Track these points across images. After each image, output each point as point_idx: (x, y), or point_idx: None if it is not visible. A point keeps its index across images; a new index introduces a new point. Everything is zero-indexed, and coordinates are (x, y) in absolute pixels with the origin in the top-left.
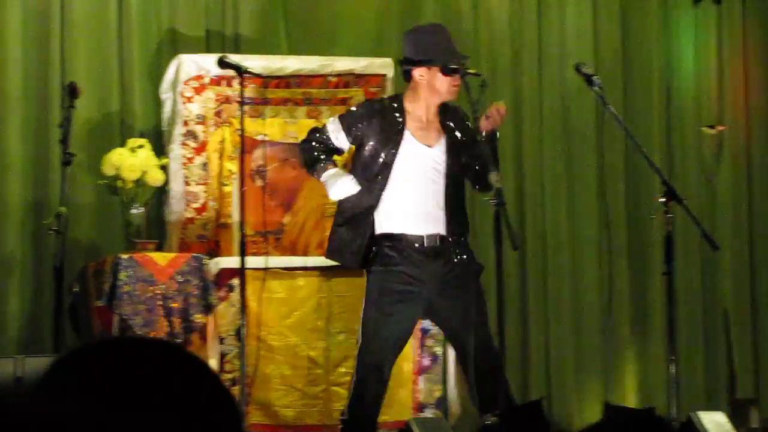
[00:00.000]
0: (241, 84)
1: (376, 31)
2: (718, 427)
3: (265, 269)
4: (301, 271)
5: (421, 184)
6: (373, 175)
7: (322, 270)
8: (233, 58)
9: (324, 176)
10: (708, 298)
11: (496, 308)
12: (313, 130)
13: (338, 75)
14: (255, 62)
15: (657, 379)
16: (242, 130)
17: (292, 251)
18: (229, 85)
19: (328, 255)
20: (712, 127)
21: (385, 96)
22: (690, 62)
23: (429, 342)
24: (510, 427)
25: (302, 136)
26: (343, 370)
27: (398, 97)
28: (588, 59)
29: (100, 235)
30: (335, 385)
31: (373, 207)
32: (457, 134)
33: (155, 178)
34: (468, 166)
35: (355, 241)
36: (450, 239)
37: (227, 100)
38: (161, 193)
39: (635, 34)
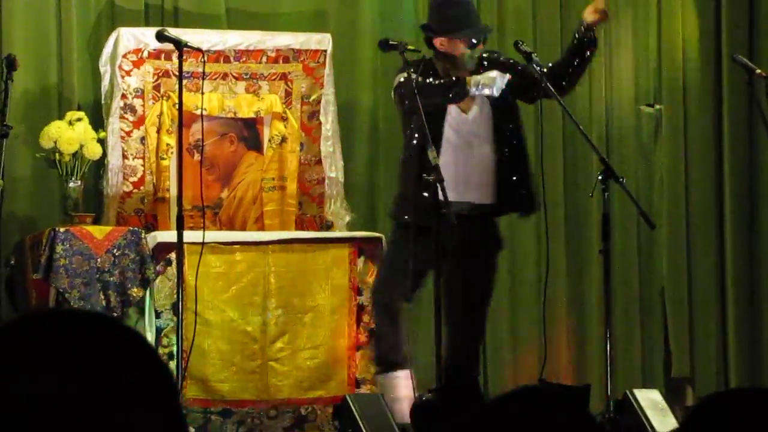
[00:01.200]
0: (180, 58)
1: (315, 7)
2: (654, 405)
3: (203, 244)
4: (238, 246)
5: (460, 151)
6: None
7: (260, 245)
8: (172, 31)
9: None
10: (645, 277)
11: (433, 282)
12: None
13: (277, 50)
14: (194, 36)
15: (593, 356)
16: (180, 104)
17: (230, 226)
18: (168, 58)
19: None
20: (650, 105)
21: (326, 71)
22: (629, 41)
23: (365, 318)
24: (446, 404)
25: (241, 111)
26: (279, 345)
27: (431, 62)
28: (527, 38)
29: (37, 208)
30: (272, 360)
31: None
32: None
33: (93, 151)
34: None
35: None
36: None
37: (166, 73)
38: (99, 166)
39: (574, 13)
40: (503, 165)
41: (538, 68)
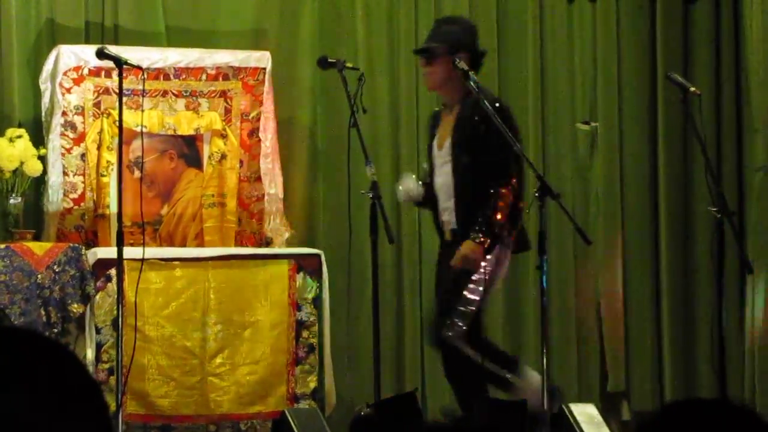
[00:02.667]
0: (120, 75)
1: (255, 25)
2: (589, 419)
3: (143, 260)
4: (178, 262)
5: (441, 179)
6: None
7: (200, 261)
8: (112, 49)
9: None
10: (581, 293)
11: (372, 299)
12: None
13: (217, 68)
14: (134, 54)
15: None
16: (120, 121)
17: (170, 242)
18: (108, 76)
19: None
20: (586, 123)
21: (266, 88)
22: (565, 60)
23: (304, 333)
24: (384, 418)
25: (181, 128)
26: (219, 360)
27: None
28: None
29: None
30: (211, 375)
31: None
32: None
33: (33, 168)
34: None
35: None
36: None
37: (106, 91)
38: (39, 183)
39: (511, 31)
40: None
41: (476, 86)
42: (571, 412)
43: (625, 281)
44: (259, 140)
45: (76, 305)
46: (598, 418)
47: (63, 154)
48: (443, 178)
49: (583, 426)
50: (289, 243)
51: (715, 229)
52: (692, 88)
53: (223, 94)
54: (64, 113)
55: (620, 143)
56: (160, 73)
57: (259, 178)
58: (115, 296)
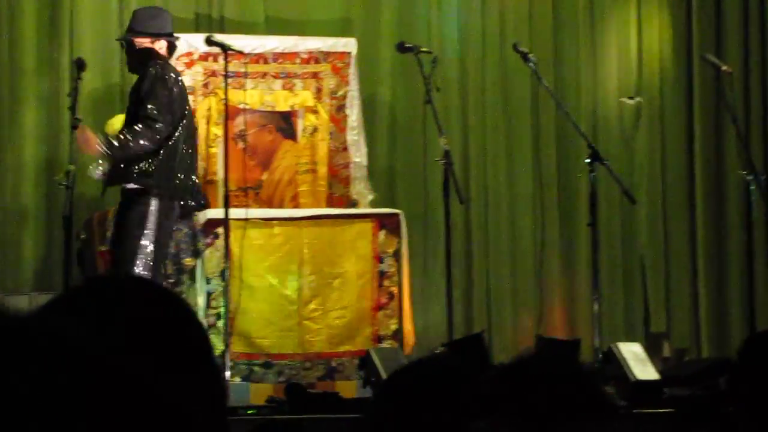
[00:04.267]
0: (226, 60)
1: (342, 15)
2: (635, 356)
3: (246, 219)
4: (276, 221)
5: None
6: None
7: (295, 220)
8: (219, 37)
9: None
10: (627, 246)
11: (444, 253)
12: None
13: (309, 53)
14: (237, 41)
15: (583, 315)
16: (226, 99)
17: (269, 204)
18: (215, 60)
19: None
20: (631, 98)
21: (351, 70)
22: (612, 40)
23: (386, 282)
24: (456, 356)
25: (279, 105)
26: (313, 306)
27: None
28: (524, 40)
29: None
30: (306, 319)
31: None
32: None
33: None
34: None
35: None
36: None
37: (213, 73)
38: None
39: (565, 18)
40: None
41: (534, 66)
42: (619, 350)
43: (665, 235)
44: (346, 115)
45: (188, 259)
46: (643, 355)
47: None
48: None
49: (630, 362)
50: (373, 204)
51: (745, 189)
52: (724, 68)
53: (315, 75)
54: None
55: (661, 116)
56: (260, 58)
57: (346, 148)
58: (223, 251)
